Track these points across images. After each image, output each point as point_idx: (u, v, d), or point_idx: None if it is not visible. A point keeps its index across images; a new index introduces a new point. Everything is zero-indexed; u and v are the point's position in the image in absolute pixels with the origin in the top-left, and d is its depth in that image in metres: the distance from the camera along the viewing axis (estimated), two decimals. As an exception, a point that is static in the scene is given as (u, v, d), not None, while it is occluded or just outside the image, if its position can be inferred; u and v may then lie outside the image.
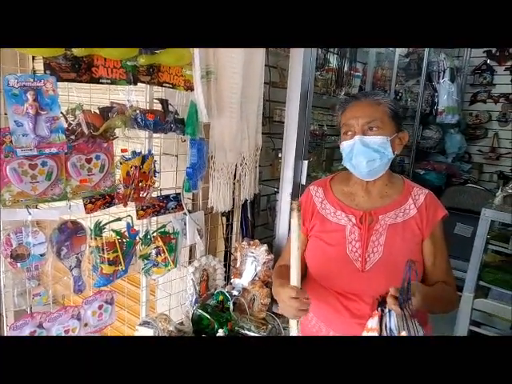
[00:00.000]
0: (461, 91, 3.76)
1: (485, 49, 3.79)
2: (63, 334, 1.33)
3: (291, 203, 1.02)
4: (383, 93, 1.22)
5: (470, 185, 3.77)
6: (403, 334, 0.86)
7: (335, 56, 2.31)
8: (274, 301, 1.90)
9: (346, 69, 2.34)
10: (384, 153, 1.12)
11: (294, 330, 1.08)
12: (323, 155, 2.66)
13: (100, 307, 1.43)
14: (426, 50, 3.15)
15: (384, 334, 0.90)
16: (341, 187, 1.24)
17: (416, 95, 3.34)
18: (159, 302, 1.91)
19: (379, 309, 0.94)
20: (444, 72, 3.40)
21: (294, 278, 1.05)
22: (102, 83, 1.25)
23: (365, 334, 0.94)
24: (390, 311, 0.91)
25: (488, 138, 3.91)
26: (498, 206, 2.74)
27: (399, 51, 2.78)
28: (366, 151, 1.11)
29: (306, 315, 1.16)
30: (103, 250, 1.36)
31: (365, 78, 2.54)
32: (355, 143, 1.12)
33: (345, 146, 1.17)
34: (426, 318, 1.17)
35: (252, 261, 1.88)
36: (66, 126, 1.21)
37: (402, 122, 1.20)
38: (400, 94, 3.07)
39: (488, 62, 3.81)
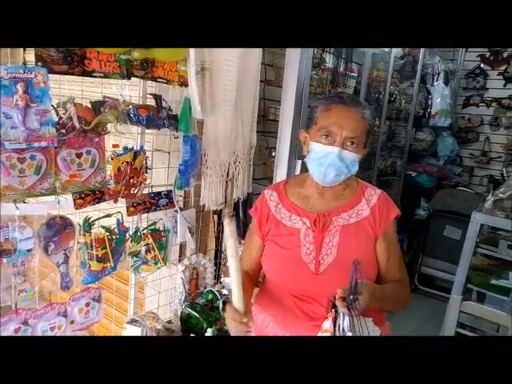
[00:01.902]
0: (454, 94, 3.77)
1: (479, 53, 3.81)
2: (49, 332, 1.31)
3: (224, 210, 1.02)
4: (365, 102, 1.19)
5: (461, 188, 3.80)
6: (349, 334, 0.88)
7: (331, 56, 2.30)
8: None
9: (341, 69, 2.34)
10: (351, 169, 1.11)
11: None
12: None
13: (87, 304, 1.41)
14: (421, 52, 3.15)
15: (337, 334, 0.91)
16: (296, 190, 1.22)
17: (410, 97, 3.33)
18: (148, 299, 1.89)
19: (333, 310, 0.94)
20: (438, 75, 3.41)
21: (235, 297, 1.01)
22: (94, 77, 1.22)
23: (320, 335, 0.96)
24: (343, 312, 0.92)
25: (479, 142, 3.93)
26: (488, 210, 2.76)
27: (394, 53, 2.78)
28: (339, 165, 1.08)
29: (263, 320, 1.22)
30: (92, 246, 1.34)
31: (360, 79, 2.53)
32: (332, 154, 1.08)
33: (319, 149, 1.10)
34: (382, 317, 1.18)
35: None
36: (56, 119, 1.18)
37: (369, 137, 1.17)
38: (394, 96, 3.07)
39: (481, 65, 3.83)
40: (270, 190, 1.26)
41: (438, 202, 3.67)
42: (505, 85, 3.74)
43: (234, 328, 1.04)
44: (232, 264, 1.00)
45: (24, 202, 1.32)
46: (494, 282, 2.88)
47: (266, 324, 1.21)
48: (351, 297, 0.90)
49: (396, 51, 2.78)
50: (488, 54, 3.80)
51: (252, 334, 1.11)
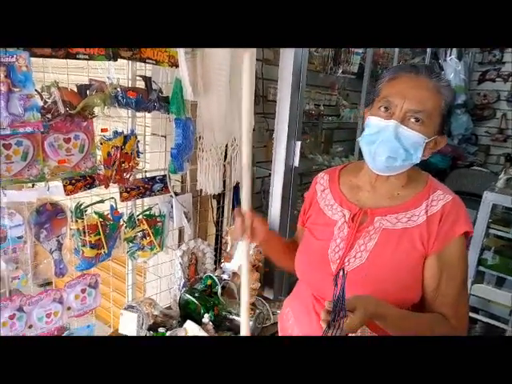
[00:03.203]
0: (468, 70, 3.61)
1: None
2: (45, 318, 1.31)
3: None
4: (446, 78, 0.94)
5: (476, 167, 3.68)
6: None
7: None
8: (263, 285, 1.87)
9: (344, 45, 2.24)
10: (412, 154, 0.89)
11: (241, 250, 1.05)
12: (321, 136, 2.58)
13: (83, 291, 1.41)
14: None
15: None
16: (349, 178, 1.05)
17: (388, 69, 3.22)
18: (149, 284, 1.89)
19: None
20: (451, 49, 3.26)
21: (244, 199, 1.00)
22: (78, 59, 1.19)
23: None
24: None
25: (496, 119, 3.78)
26: (500, 189, 2.66)
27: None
28: (393, 144, 0.88)
29: (287, 314, 1.14)
30: (85, 232, 1.33)
31: (365, 56, 2.43)
32: (387, 128, 0.88)
33: (373, 122, 0.92)
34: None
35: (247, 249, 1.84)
36: (41, 104, 1.16)
37: (447, 122, 0.94)
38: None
39: (498, 39, 3.66)
40: (324, 173, 1.12)
41: (452, 183, 3.56)
42: (523, 58, 3.57)
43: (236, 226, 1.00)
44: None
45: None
46: (506, 263, 2.80)
47: (288, 318, 1.14)
48: (335, 312, 0.75)
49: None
50: (505, 26, 3.62)
51: (244, 238, 1.01)
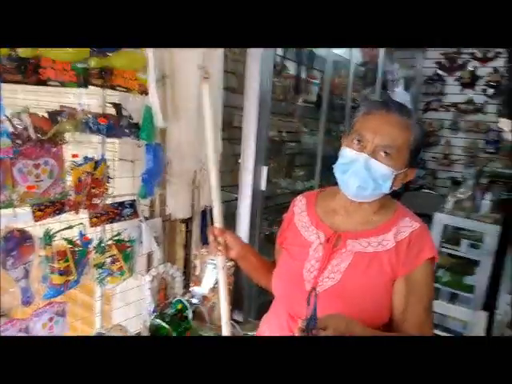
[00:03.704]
0: (414, 100, 3.92)
1: (436, 59, 3.99)
2: (9, 350, 1.25)
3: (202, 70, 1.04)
4: (417, 116, 1.01)
5: (425, 190, 3.93)
6: None
7: (293, 63, 2.35)
8: (234, 307, 1.89)
9: (303, 76, 2.39)
10: (381, 185, 0.96)
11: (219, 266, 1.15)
12: (284, 161, 2.69)
13: (51, 319, 1.36)
14: (381, 58, 3.27)
15: None
16: (326, 202, 1.11)
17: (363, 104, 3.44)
18: (116, 312, 1.85)
19: None
20: (398, 81, 3.54)
21: (216, 215, 1.12)
22: (50, 85, 1.20)
23: None
24: None
25: (441, 146, 4.09)
26: (449, 210, 2.86)
27: (355, 59, 2.86)
28: (363, 175, 0.95)
29: (263, 332, 1.17)
30: (53, 259, 1.30)
31: (322, 86, 2.60)
32: (359, 160, 0.95)
33: (346, 153, 0.99)
34: None
35: (212, 268, 1.86)
36: (11, 130, 1.15)
37: (417, 156, 1.01)
38: (357, 102, 3.16)
39: (439, 72, 4.01)
40: (302, 197, 1.17)
41: (405, 204, 3.77)
42: (461, 90, 3.93)
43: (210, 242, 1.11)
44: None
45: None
46: (465, 281, 2.98)
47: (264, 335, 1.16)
48: (309, 330, 0.79)
49: (356, 58, 2.86)
50: (444, 61, 3.98)
51: (219, 255, 1.13)
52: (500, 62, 3.67)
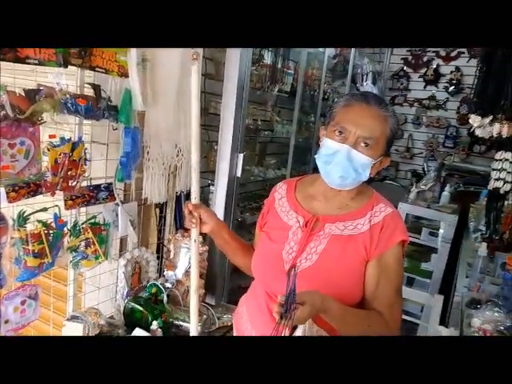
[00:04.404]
0: (381, 94, 4.05)
1: (402, 56, 4.13)
2: (-20, 333, 1.23)
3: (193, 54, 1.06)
4: (392, 108, 1.07)
5: (388, 181, 4.10)
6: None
7: (270, 53, 2.37)
8: (207, 292, 1.92)
9: (279, 66, 2.42)
10: (361, 174, 1.01)
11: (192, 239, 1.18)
12: (256, 149, 2.72)
13: (23, 303, 1.34)
14: (352, 52, 3.35)
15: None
16: (305, 187, 1.17)
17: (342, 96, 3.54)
18: (87, 296, 1.83)
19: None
20: (367, 75, 3.65)
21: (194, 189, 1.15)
22: (28, 63, 1.17)
23: None
24: None
25: (403, 139, 4.27)
26: (412, 200, 3.02)
27: (328, 52, 2.92)
28: (345, 166, 1.00)
29: (241, 313, 1.22)
30: (27, 241, 1.28)
31: (296, 77, 2.64)
32: (341, 151, 1.00)
33: (329, 145, 1.03)
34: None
35: (186, 252, 1.88)
36: (-14, 107, 1.11)
37: (391, 146, 1.07)
38: (328, 94, 3.23)
39: (405, 68, 4.16)
40: (283, 183, 1.22)
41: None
42: (425, 87, 4.10)
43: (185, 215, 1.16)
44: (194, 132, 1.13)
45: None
46: (423, 267, 3.17)
47: (242, 316, 1.21)
48: (287, 305, 0.83)
49: (329, 51, 2.92)
50: (410, 58, 4.13)
51: (193, 227, 1.15)
52: (462, 62, 3.86)
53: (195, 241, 1.15)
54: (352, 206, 1.09)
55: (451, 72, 3.94)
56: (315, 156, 1.08)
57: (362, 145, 1.00)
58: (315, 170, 1.17)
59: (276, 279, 1.07)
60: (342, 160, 1.00)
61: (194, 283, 1.16)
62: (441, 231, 3.03)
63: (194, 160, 1.12)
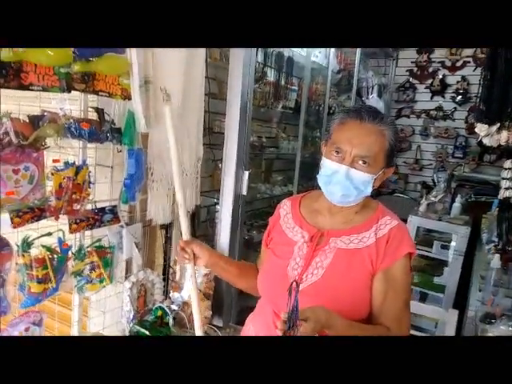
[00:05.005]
0: (387, 106, 4.04)
1: (407, 68, 4.13)
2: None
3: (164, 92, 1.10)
4: (390, 119, 1.07)
5: (398, 194, 4.05)
6: None
7: (272, 70, 2.38)
8: (214, 313, 1.89)
9: (282, 82, 2.42)
10: (363, 191, 1.01)
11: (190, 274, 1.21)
12: (262, 166, 2.71)
13: (26, 329, 1.33)
14: (356, 66, 3.35)
15: None
16: (310, 203, 1.16)
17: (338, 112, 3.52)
18: (91, 321, 1.81)
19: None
20: (372, 88, 3.64)
21: (183, 228, 1.18)
22: (32, 90, 1.18)
23: None
24: None
25: (412, 151, 4.22)
26: (422, 213, 2.97)
27: (332, 67, 2.93)
28: (345, 185, 1.00)
29: (248, 330, 1.20)
30: (31, 266, 1.27)
31: (300, 93, 2.64)
32: (339, 171, 1.00)
33: (327, 165, 1.03)
34: None
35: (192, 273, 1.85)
36: (-9, 134, 1.12)
37: (394, 156, 1.06)
38: (333, 108, 3.22)
39: (410, 80, 4.15)
40: (287, 200, 1.22)
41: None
42: (431, 97, 4.07)
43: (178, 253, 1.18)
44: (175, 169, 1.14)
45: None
46: (436, 281, 3.09)
47: (249, 334, 1.19)
48: (291, 322, 0.82)
49: (333, 66, 2.93)
50: (415, 69, 4.12)
51: (187, 263, 1.17)
52: (468, 71, 3.83)
53: (192, 276, 1.17)
54: (357, 219, 1.08)
55: (457, 82, 3.91)
56: (317, 176, 1.08)
57: (360, 163, 0.99)
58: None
59: (282, 297, 1.00)
60: (341, 180, 1.00)
61: (197, 321, 1.18)
62: (453, 244, 2.96)
63: (180, 197, 1.15)
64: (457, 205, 3.05)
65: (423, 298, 3.11)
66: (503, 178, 1.80)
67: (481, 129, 1.69)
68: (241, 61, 1.70)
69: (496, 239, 2.13)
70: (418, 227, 2.99)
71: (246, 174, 1.83)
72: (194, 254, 1.15)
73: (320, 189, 1.10)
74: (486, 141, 1.74)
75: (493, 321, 1.74)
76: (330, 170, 1.02)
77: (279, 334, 0.83)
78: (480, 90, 1.80)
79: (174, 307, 1.78)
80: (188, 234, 1.17)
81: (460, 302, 2.79)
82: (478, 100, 1.80)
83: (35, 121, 1.20)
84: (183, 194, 1.15)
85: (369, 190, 1.02)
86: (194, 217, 2.02)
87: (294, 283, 0.84)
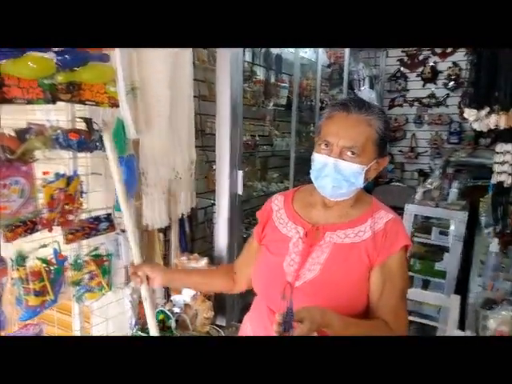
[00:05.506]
0: (379, 97, 4.03)
1: (397, 57, 4.11)
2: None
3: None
4: (378, 109, 1.04)
5: (395, 183, 4.05)
6: None
7: (261, 68, 2.37)
8: (217, 313, 1.89)
9: (272, 80, 2.41)
10: (353, 182, 1.00)
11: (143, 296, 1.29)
12: (257, 165, 2.71)
13: (28, 342, 1.33)
14: (346, 59, 3.34)
15: None
16: (303, 197, 1.16)
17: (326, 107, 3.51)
18: (94, 328, 1.81)
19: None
20: (364, 80, 3.63)
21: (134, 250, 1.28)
22: (16, 103, 1.17)
23: None
24: None
25: (407, 139, 4.22)
26: (419, 201, 2.96)
27: (321, 61, 2.92)
28: (335, 177, 1.00)
29: (245, 329, 1.21)
30: (27, 280, 1.27)
31: (291, 89, 2.63)
32: (327, 164, 1.00)
33: (316, 159, 1.04)
34: None
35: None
36: (-23, 150, 1.11)
37: (386, 146, 1.05)
38: (325, 103, 3.21)
39: (401, 69, 4.13)
40: (279, 195, 1.21)
41: (377, 198, 3.88)
42: (423, 85, 4.06)
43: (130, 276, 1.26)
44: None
45: None
46: (437, 267, 3.10)
47: (246, 333, 1.19)
48: (286, 324, 0.82)
49: (322, 60, 2.91)
50: (406, 59, 4.11)
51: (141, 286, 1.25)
52: (459, 57, 3.82)
53: (146, 299, 1.27)
54: (352, 213, 1.08)
55: (449, 68, 3.90)
56: (305, 166, 1.09)
57: (349, 154, 0.99)
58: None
59: (278, 294, 1.00)
60: (330, 172, 1.00)
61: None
62: (451, 229, 2.96)
63: (127, 222, 1.25)
64: (454, 190, 3.05)
65: (425, 286, 3.12)
66: (495, 163, 1.80)
67: (469, 113, 1.69)
68: (228, 61, 1.69)
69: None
70: (416, 215, 2.99)
71: (240, 173, 1.83)
72: (147, 277, 1.21)
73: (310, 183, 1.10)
74: (475, 126, 1.74)
75: (494, 306, 1.73)
76: (320, 164, 1.02)
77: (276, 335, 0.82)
78: (468, 75, 1.80)
79: (176, 310, 1.78)
80: (138, 258, 1.28)
81: (462, 287, 2.80)
82: (466, 85, 1.80)
83: (21, 134, 1.19)
84: (131, 218, 1.28)
85: (360, 182, 1.01)
86: (191, 219, 2.02)
87: (288, 285, 0.84)
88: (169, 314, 1.68)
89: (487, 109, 1.67)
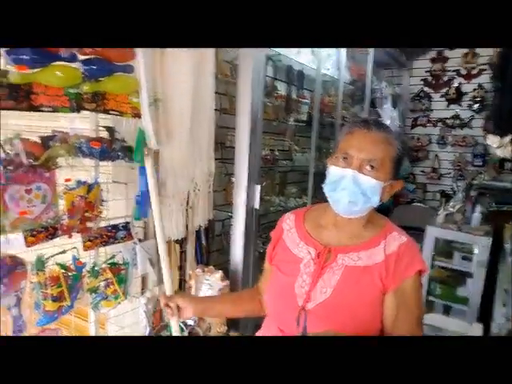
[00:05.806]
0: (402, 116, 3.99)
1: (421, 77, 4.09)
2: None
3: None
4: (396, 131, 1.01)
5: (416, 203, 3.97)
6: None
7: (283, 84, 2.38)
8: (230, 327, 1.86)
9: (294, 96, 2.42)
10: (370, 198, 0.99)
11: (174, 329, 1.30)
12: (276, 179, 2.71)
13: (43, 348, 1.33)
14: (369, 77, 3.34)
15: None
16: (314, 217, 1.14)
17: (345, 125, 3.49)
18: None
19: None
20: (386, 98, 3.61)
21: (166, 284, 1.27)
22: (42, 111, 1.21)
23: None
24: None
25: (429, 160, 4.15)
26: (441, 223, 2.89)
27: (344, 78, 2.92)
28: (353, 190, 0.98)
29: None
30: (46, 285, 1.28)
31: (312, 105, 2.64)
32: (347, 176, 0.98)
33: (333, 171, 1.02)
34: None
35: (207, 288, 1.84)
36: (3, 156, 1.15)
37: (400, 168, 1.05)
38: (347, 120, 3.20)
39: (424, 89, 4.10)
40: (291, 214, 1.20)
41: (397, 218, 3.80)
42: (448, 106, 4.01)
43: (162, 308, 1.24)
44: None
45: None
46: (459, 293, 3.00)
47: None
48: None
49: (344, 78, 2.92)
50: (430, 79, 4.07)
51: (174, 318, 1.22)
52: (484, 78, 3.77)
53: (176, 331, 1.28)
54: (364, 235, 1.05)
55: (474, 90, 3.84)
56: (322, 185, 1.06)
57: (368, 167, 0.98)
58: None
59: (289, 315, 1.03)
60: (348, 185, 0.98)
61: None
62: (474, 255, 2.87)
63: (162, 250, 1.26)
64: (477, 214, 2.97)
65: (446, 311, 3.02)
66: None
67: (493, 140, 1.66)
68: (249, 75, 1.71)
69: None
70: (437, 238, 2.91)
71: (258, 187, 1.83)
72: (178, 308, 1.17)
73: (325, 201, 1.08)
74: (499, 152, 1.70)
75: (518, 337, 1.65)
76: (337, 176, 1.00)
77: None
78: (492, 100, 1.77)
79: (189, 322, 1.77)
80: (170, 289, 1.26)
81: (485, 315, 2.69)
82: (490, 111, 1.77)
83: (46, 141, 1.23)
84: (165, 247, 1.28)
85: (376, 200, 1.00)
86: (207, 231, 2.02)
87: (303, 310, 0.84)
88: (182, 326, 1.66)
89: (510, 136, 1.63)
